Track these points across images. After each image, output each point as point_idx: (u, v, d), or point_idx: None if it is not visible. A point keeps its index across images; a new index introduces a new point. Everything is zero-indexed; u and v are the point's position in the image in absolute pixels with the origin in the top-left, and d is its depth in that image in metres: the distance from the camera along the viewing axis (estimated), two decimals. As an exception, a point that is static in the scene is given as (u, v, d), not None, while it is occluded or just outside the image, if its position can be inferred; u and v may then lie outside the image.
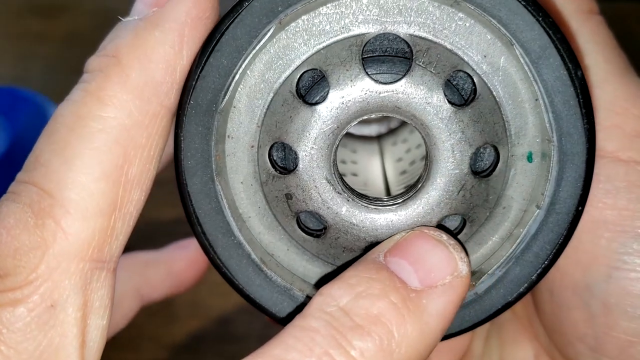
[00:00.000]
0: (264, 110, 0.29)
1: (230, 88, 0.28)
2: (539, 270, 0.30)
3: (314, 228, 0.30)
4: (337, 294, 0.26)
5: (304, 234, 0.30)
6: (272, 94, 0.29)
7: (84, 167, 0.27)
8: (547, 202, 0.29)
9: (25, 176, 0.27)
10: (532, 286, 0.30)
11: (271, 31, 0.28)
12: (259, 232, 0.30)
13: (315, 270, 0.31)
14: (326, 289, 0.27)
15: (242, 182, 0.30)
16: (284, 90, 0.29)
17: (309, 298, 0.30)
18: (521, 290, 0.30)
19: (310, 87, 0.29)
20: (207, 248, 0.29)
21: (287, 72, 0.29)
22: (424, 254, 0.28)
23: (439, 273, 0.27)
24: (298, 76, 0.29)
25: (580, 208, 0.29)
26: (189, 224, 0.29)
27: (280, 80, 0.29)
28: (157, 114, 0.28)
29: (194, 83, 0.28)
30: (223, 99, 0.28)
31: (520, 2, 0.28)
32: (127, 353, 0.47)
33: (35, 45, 0.84)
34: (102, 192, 0.27)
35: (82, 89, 0.28)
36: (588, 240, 0.32)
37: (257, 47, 0.28)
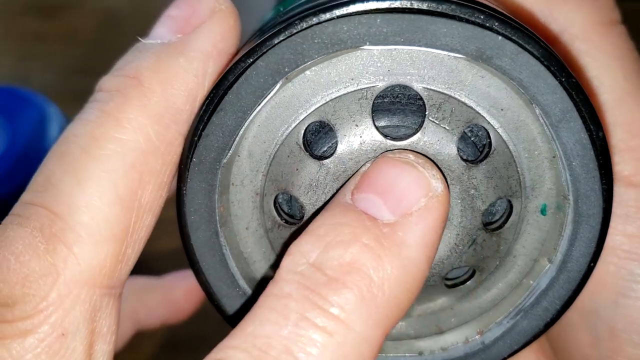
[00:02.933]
0: (269, 160, 0.28)
1: (235, 144, 0.27)
2: (547, 322, 0.29)
3: None
4: (305, 249, 0.25)
5: None
6: (277, 145, 0.28)
7: (98, 190, 0.26)
8: (560, 259, 0.28)
9: (33, 198, 0.26)
10: (539, 336, 0.29)
11: (277, 88, 0.27)
12: (266, 276, 0.30)
13: None
14: (294, 246, 0.25)
15: (247, 228, 0.29)
16: (289, 141, 0.27)
17: None
18: (528, 339, 0.29)
19: (318, 135, 0.28)
20: (212, 298, 0.29)
21: (294, 124, 0.27)
22: (392, 182, 0.25)
23: (411, 198, 0.25)
24: (304, 128, 0.27)
25: (592, 264, 0.28)
26: (194, 274, 0.29)
27: (287, 132, 0.27)
28: (173, 141, 0.27)
29: (196, 140, 0.27)
30: (227, 155, 0.27)
31: (542, 63, 0.26)
32: (126, 353, 0.47)
33: (36, 44, 0.84)
34: (116, 217, 0.26)
35: (98, 108, 0.26)
36: (596, 264, 0.32)
37: (263, 103, 0.27)
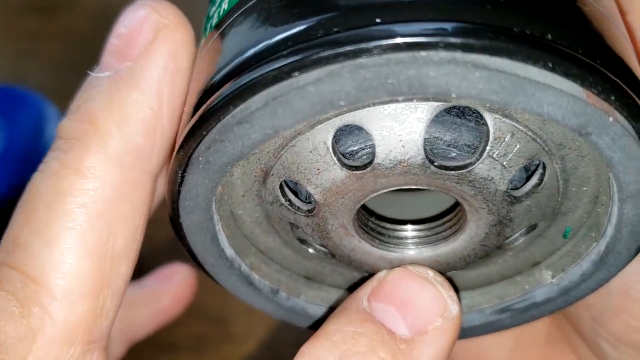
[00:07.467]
0: (285, 145, 0.24)
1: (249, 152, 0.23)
2: (531, 322, 0.29)
3: (319, 250, 0.29)
4: (320, 354, 0.25)
5: (304, 247, 0.29)
6: (298, 136, 0.24)
7: (66, 247, 0.25)
8: (566, 284, 0.28)
9: (5, 258, 0.26)
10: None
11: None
12: (252, 233, 0.29)
13: (307, 264, 0.30)
14: (308, 348, 0.25)
15: (243, 195, 0.27)
16: (315, 137, 0.23)
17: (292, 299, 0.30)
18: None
19: (351, 132, 0.24)
20: (201, 268, 0.29)
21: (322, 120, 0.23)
22: (411, 296, 0.26)
23: (428, 316, 0.26)
24: (335, 129, 0.23)
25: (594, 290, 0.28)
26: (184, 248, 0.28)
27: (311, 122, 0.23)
28: (139, 180, 0.26)
29: (204, 135, 0.23)
30: (239, 162, 0.24)
31: None
32: (125, 354, 0.47)
33: (34, 43, 0.84)
34: (88, 272, 0.26)
35: (58, 159, 0.26)
36: None
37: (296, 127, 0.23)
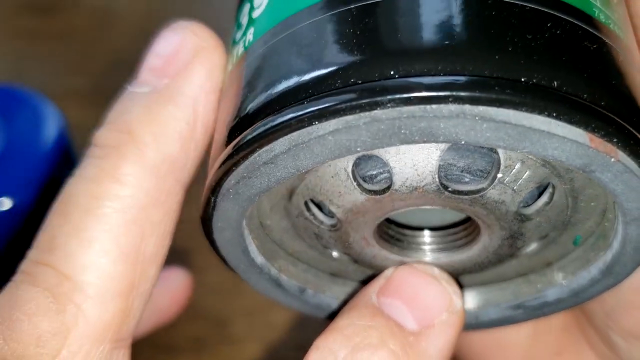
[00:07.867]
0: (309, 169, 0.25)
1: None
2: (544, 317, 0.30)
3: (342, 256, 0.30)
4: (333, 347, 0.26)
5: (329, 251, 0.30)
6: (320, 166, 0.25)
7: (102, 249, 0.27)
8: (575, 287, 0.29)
9: (40, 257, 0.27)
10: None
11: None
12: (280, 239, 0.30)
13: (332, 264, 0.31)
14: (322, 341, 0.26)
15: (270, 209, 0.28)
16: (336, 164, 0.25)
17: (318, 296, 0.31)
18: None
19: (370, 158, 0.25)
20: (234, 272, 0.30)
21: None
22: (418, 292, 0.27)
23: (435, 310, 0.27)
24: (355, 158, 0.25)
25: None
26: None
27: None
28: (171, 189, 0.28)
29: (233, 168, 0.25)
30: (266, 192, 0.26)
31: None
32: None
33: (33, 43, 0.84)
34: (121, 274, 0.27)
35: (95, 165, 0.27)
36: None
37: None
